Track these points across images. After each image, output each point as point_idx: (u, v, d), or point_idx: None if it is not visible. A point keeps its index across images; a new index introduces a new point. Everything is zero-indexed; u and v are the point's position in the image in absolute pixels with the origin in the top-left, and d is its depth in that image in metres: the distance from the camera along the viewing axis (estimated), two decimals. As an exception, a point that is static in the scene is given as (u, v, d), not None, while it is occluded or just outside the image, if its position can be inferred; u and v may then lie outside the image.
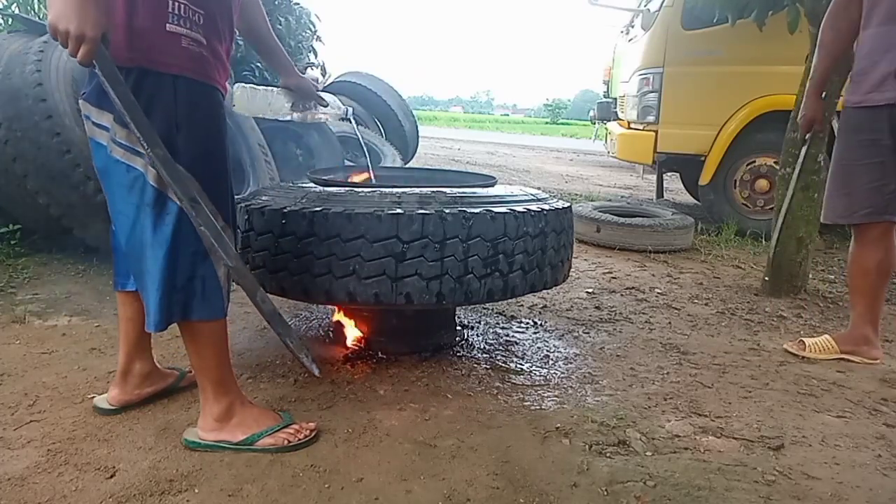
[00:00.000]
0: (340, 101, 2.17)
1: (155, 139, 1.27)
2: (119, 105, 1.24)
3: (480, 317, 2.53)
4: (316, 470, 1.41)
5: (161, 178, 1.31)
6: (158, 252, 1.35)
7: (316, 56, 5.52)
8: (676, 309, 2.77)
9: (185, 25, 1.35)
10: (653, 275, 3.36)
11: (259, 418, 1.52)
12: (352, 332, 2.12)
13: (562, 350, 2.22)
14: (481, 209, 1.69)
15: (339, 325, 2.17)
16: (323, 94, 2.03)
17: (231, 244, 1.43)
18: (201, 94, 1.40)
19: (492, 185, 2.09)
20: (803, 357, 2.23)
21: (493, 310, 2.60)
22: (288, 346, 1.41)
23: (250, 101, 1.94)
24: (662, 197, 5.31)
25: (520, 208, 1.76)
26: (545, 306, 2.71)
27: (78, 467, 1.38)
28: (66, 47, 1.18)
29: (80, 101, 1.40)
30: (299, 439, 1.49)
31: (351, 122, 2.24)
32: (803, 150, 2.62)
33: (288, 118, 1.96)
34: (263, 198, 1.80)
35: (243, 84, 1.99)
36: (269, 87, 1.96)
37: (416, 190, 1.77)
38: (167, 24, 1.32)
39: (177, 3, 1.33)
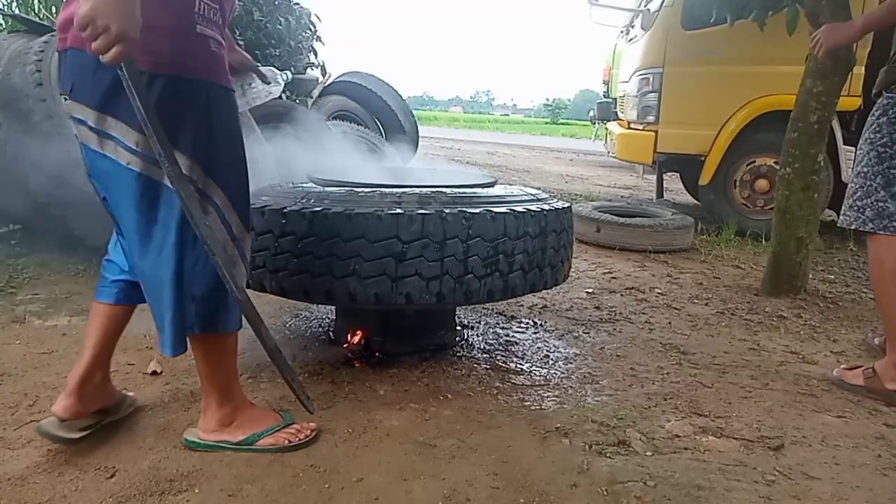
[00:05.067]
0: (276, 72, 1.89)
1: (173, 155, 1.18)
2: (142, 114, 1.13)
3: (480, 317, 2.53)
4: (316, 470, 1.41)
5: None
6: (172, 265, 1.27)
7: (316, 56, 5.52)
8: (676, 309, 2.77)
9: (209, 27, 1.26)
10: (653, 275, 3.36)
11: (259, 418, 1.51)
12: (352, 333, 2.11)
13: (562, 350, 2.22)
14: (481, 209, 1.69)
15: (340, 324, 2.16)
16: (264, 70, 1.80)
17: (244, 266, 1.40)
18: (227, 98, 1.32)
19: (491, 186, 2.09)
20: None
21: (493, 310, 2.60)
22: (289, 383, 1.39)
23: None
24: (662, 197, 5.30)
25: (520, 208, 1.76)
26: (545, 306, 2.71)
27: (78, 467, 1.38)
28: (94, 42, 1.06)
29: (68, 102, 1.27)
30: (300, 439, 1.49)
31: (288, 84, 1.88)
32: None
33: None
34: (263, 198, 1.79)
35: None
36: None
37: (416, 190, 1.77)
38: (197, 27, 1.23)
39: (202, 4, 1.24)
